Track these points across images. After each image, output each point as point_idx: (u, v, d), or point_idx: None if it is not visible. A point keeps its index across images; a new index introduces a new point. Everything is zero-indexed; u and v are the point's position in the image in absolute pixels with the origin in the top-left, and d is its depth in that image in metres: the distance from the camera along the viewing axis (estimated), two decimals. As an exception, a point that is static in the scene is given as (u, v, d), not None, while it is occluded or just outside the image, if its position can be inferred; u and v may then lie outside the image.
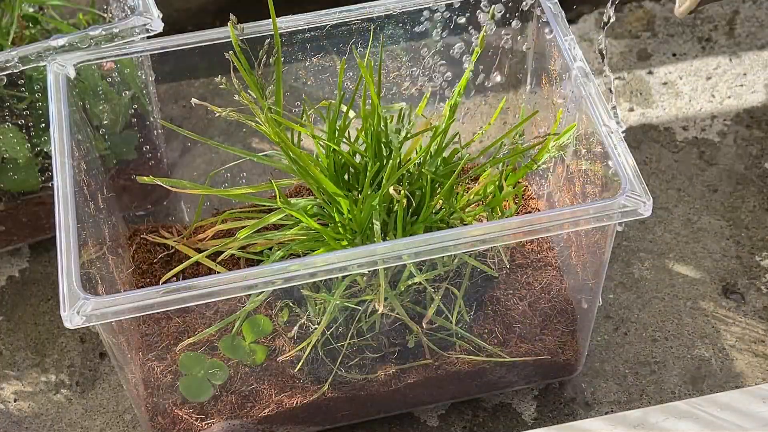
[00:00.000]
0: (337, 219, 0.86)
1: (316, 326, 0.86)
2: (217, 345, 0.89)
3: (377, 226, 0.83)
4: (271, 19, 0.91)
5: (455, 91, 0.91)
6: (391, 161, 0.85)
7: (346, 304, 0.86)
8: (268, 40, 0.86)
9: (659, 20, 1.27)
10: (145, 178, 0.85)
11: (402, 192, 0.82)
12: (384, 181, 0.84)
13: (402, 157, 0.87)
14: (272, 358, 0.89)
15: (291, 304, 0.89)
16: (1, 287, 1.06)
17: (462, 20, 0.93)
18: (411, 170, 0.89)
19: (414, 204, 0.88)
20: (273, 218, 0.88)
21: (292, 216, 0.88)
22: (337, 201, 0.86)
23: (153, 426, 0.89)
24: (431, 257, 0.79)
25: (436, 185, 0.88)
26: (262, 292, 0.83)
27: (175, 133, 1.03)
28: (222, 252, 0.93)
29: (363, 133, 0.88)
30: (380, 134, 0.88)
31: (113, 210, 0.97)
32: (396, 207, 0.85)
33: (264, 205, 0.94)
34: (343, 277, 0.84)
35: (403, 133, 0.89)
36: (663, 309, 1.02)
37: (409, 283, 0.85)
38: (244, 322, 0.88)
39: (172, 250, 0.99)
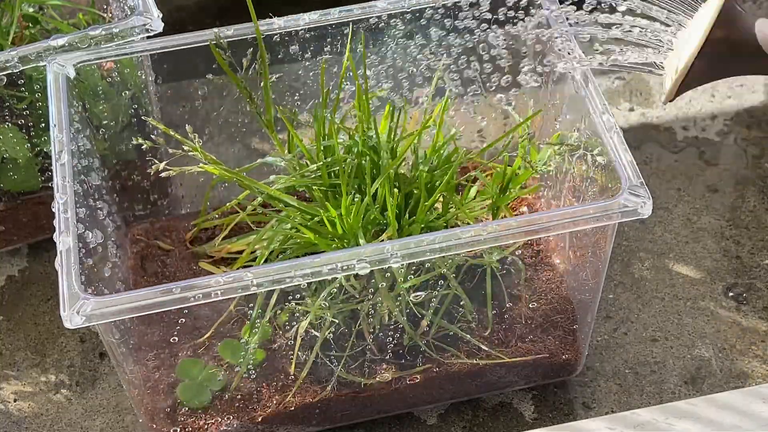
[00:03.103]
0: (327, 224, 0.86)
1: (314, 327, 0.87)
2: (217, 347, 0.89)
3: (360, 232, 0.83)
4: (268, 19, 0.92)
5: (445, 93, 0.91)
6: (381, 160, 0.85)
7: (338, 307, 0.86)
8: (250, 50, 0.87)
9: (659, 20, 1.27)
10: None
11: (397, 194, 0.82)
12: (367, 178, 0.84)
13: (397, 156, 0.87)
14: (272, 359, 0.89)
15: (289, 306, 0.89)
16: (1, 287, 1.06)
17: (462, 20, 0.93)
18: (403, 170, 0.89)
19: (411, 204, 0.88)
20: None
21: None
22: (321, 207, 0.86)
23: (153, 426, 0.89)
24: (427, 258, 0.79)
25: (436, 183, 0.88)
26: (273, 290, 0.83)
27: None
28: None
29: (354, 133, 0.88)
30: (368, 133, 0.88)
31: (113, 210, 0.97)
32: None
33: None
34: (332, 280, 0.84)
35: (398, 133, 0.89)
36: (663, 309, 1.02)
37: (406, 286, 0.85)
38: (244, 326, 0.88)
39: (173, 251, 0.99)
